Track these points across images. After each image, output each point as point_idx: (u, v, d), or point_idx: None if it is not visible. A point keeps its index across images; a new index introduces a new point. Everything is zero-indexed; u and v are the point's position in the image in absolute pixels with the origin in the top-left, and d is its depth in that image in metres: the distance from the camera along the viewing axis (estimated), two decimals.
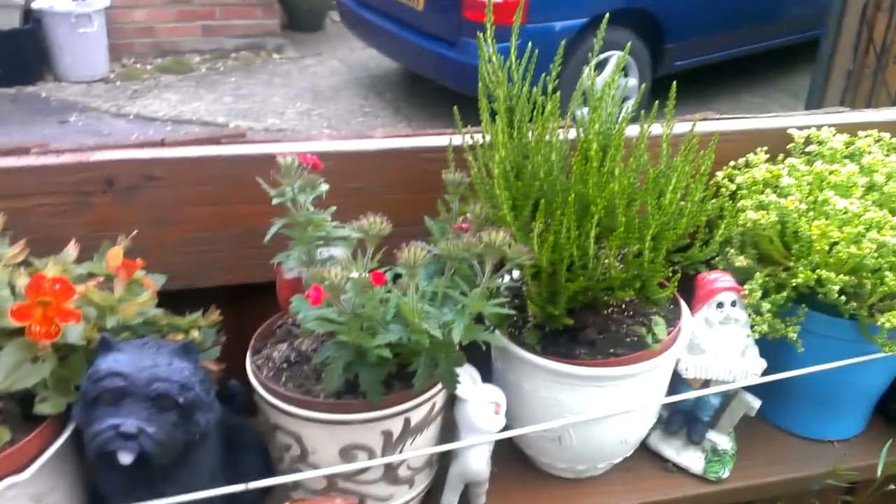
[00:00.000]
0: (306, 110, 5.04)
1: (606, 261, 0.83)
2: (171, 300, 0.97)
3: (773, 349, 1.00)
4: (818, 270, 0.93)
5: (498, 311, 0.82)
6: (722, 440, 1.03)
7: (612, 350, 0.92)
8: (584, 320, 0.93)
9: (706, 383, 1.00)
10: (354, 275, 0.80)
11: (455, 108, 0.99)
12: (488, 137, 0.94)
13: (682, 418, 1.03)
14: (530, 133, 0.94)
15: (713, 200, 0.90)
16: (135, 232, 0.94)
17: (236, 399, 1.05)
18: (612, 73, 0.89)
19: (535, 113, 0.94)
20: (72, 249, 0.91)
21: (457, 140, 1.01)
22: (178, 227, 1.01)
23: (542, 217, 0.82)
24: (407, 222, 1.04)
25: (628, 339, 0.94)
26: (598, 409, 0.92)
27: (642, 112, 0.95)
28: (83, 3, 4.83)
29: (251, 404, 0.96)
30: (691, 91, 4.61)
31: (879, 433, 1.09)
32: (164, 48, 5.33)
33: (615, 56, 4.19)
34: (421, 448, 0.91)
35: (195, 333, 0.96)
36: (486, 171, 0.95)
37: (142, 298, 0.90)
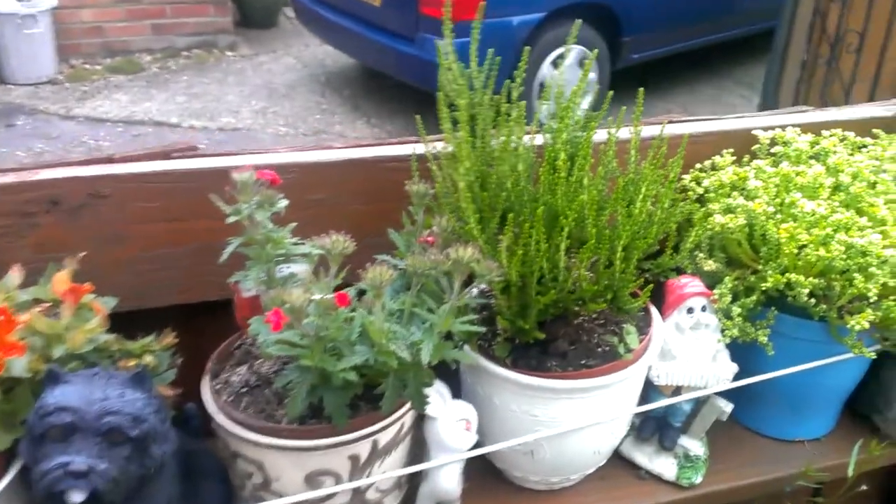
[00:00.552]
0: (262, 108, 4.95)
1: (577, 273, 0.81)
2: (123, 322, 0.93)
3: (742, 352, 0.99)
4: (787, 274, 0.92)
5: (468, 328, 0.79)
6: (694, 446, 1.02)
7: (583, 361, 0.90)
8: (554, 331, 0.91)
9: (678, 389, 0.99)
10: (317, 296, 0.77)
11: (418, 116, 0.96)
12: (450, 147, 0.91)
13: (654, 425, 1.02)
14: (493, 140, 0.92)
15: (681, 204, 0.88)
16: (83, 253, 0.89)
17: (193, 423, 1.01)
18: (581, 81, 0.86)
19: (498, 119, 0.91)
20: (15, 274, 0.86)
21: (420, 149, 0.98)
22: (128, 246, 0.96)
23: (509, 230, 0.79)
24: (370, 234, 1.01)
25: (600, 350, 0.92)
26: (572, 422, 0.90)
27: (609, 119, 0.93)
28: (29, 3, 4.67)
29: (209, 426, 0.92)
30: (648, 84, 4.63)
31: (848, 431, 1.09)
32: (113, 48, 5.19)
33: (574, 50, 4.19)
34: (390, 470, 0.88)
35: (149, 358, 0.92)
36: (451, 182, 0.92)
37: (91, 325, 0.85)
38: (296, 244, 0.89)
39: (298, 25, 5.46)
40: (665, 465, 1.02)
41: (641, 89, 0.86)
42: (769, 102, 3.59)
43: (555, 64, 4.17)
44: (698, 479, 1.01)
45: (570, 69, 4.31)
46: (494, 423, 0.94)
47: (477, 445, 0.91)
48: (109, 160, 0.98)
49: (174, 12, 5.29)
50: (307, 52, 5.70)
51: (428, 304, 0.85)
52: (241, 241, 0.86)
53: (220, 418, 0.86)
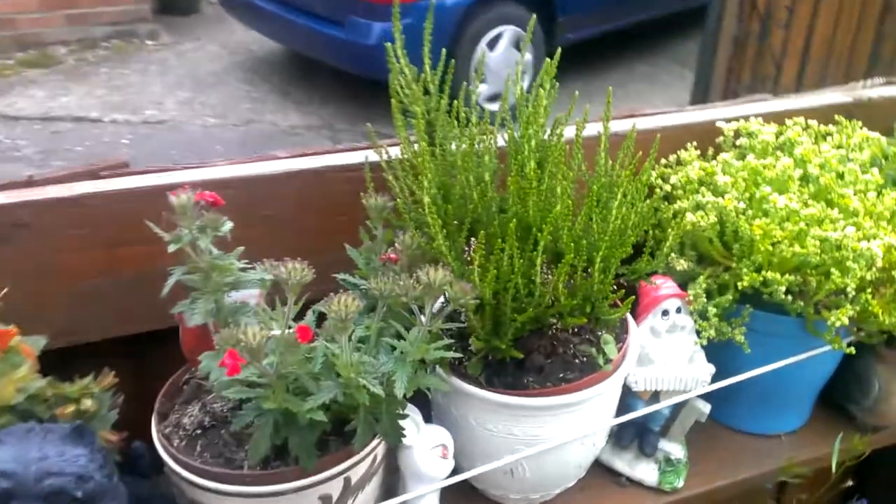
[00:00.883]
0: (187, 99, 4.77)
1: (553, 287, 0.76)
2: (57, 362, 0.85)
3: (717, 350, 0.96)
4: (763, 272, 0.89)
5: (443, 355, 0.73)
6: (675, 449, 0.99)
7: (562, 375, 0.86)
8: (529, 345, 0.86)
9: (656, 394, 0.95)
10: (276, 332, 0.70)
11: (369, 125, 0.89)
12: (407, 155, 0.85)
13: (633, 431, 0.99)
14: (453, 145, 0.86)
15: (647, 203, 0.83)
16: (4, 290, 0.80)
17: (142, 462, 0.93)
18: (545, 87, 0.81)
19: (456, 124, 0.85)
20: None
21: (372, 156, 0.91)
22: (57, 278, 0.87)
23: (480, 247, 0.73)
24: (324, 249, 0.94)
25: (577, 361, 0.88)
26: (552, 438, 0.85)
27: (562, 115, 0.88)
28: None
29: (158, 462, 0.84)
30: (583, 63, 4.62)
31: (823, 422, 1.08)
32: (26, 41, 4.90)
33: (508, 31, 4.14)
34: None
35: (88, 402, 0.83)
36: (410, 193, 0.86)
37: (21, 372, 0.77)
38: (245, 269, 0.81)
39: (221, 11, 5.25)
40: (646, 471, 0.99)
41: (576, 93, 0.81)
42: (703, 79, 3.61)
43: (490, 46, 4.11)
44: (680, 483, 0.98)
45: (506, 51, 4.27)
46: (471, 443, 0.89)
47: (454, 469, 0.86)
48: (29, 183, 0.89)
49: (90, 1, 5.02)
50: (232, 39, 5.50)
51: (395, 328, 0.79)
52: (183, 272, 0.78)
53: (174, 466, 0.78)
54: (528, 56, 4.19)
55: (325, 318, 0.82)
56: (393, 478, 0.91)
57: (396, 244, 0.82)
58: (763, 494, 1.05)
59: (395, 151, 0.90)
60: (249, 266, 0.81)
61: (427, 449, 0.83)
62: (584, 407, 0.85)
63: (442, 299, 0.74)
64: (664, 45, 5.32)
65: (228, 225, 0.79)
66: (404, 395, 0.72)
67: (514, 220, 0.74)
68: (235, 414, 0.77)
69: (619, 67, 4.97)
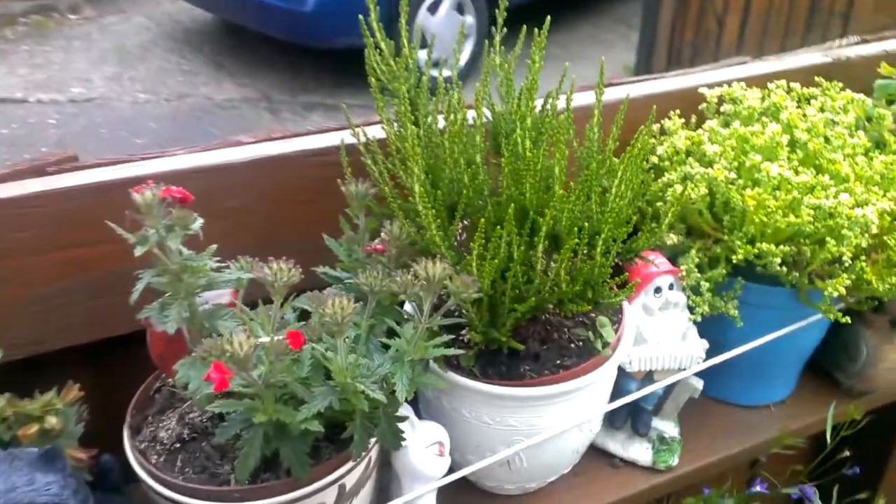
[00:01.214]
0: (115, 75, 4.56)
1: (555, 275, 0.72)
2: (14, 376, 0.78)
3: (706, 325, 0.94)
4: (757, 244, 0.87)
5: (444, 352, 0.68)
6: (668, 427, 0.97)
7: (559, 361, 0.82)
8: (523, 333, 0.82)
9: (649, 373, 0.93)
10: (264, 339, 0.64)
11: (344, 105, 0.82)
12: (392, 138, 0.79)
13: (626, 411, 0.96)
14: (437, 121, 0.80)
15: (651, 180, 0.80)
16: None
17: (112, 476, 0.87)
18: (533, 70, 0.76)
19: (437, 101, 0.80)
20: None
21: (347, 138, 0.85)
22: (6, 286, 0.79)
23: (480, 236, 0.68)
24: (298, 241, 0.88)
25: (573, 346, 0.84)
26: (551, 427, 0.82)
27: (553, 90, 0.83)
28: None
29: (129, 473, 0.78)
30: (528, 26, 4.56)
31: (809, 390, 1.07)
32: None
33: None
34: None
35: (52, 420, 0.77)
36: (391, 178, 0.80)
37: None
38: (219, 269, 0.75)
39: None
40: (640, 451, 0.97)
41: (567, 64, 0.76)
42: (647, 38, 3.60)
43: (431, 10, 4.02)
44: (675, 461, 0.96)
45: (448, 15, 4.18)
46: (465, 436, 0.85)
47: (451, 465, 0.82)
48: None
49: None
50: (159, 10, 5.27)
51: (387, 323, 0.74)
52: (152, 275, 0.71)
53: (153, 484, 0.72)
54: (471, 19, 4.12)
55: (309, 316, 0.76)
56: (385, 475, 0.86)
57: (383, 234, 0.76)
58: (757, 466, 1.04)
59: (372, 133, 0.85)
60: (223, 265, 0.75)
61: (423, 447, 0.79)
62: (583, 392, 0.82)
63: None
64: (606, 6, 5.30)
65: (199, 222, 0.73)
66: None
67: (512, 204, 0.69)
68: (218, 425, 0.71)
69: (562, 29, 4.94)
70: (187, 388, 0.71)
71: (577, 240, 0.68)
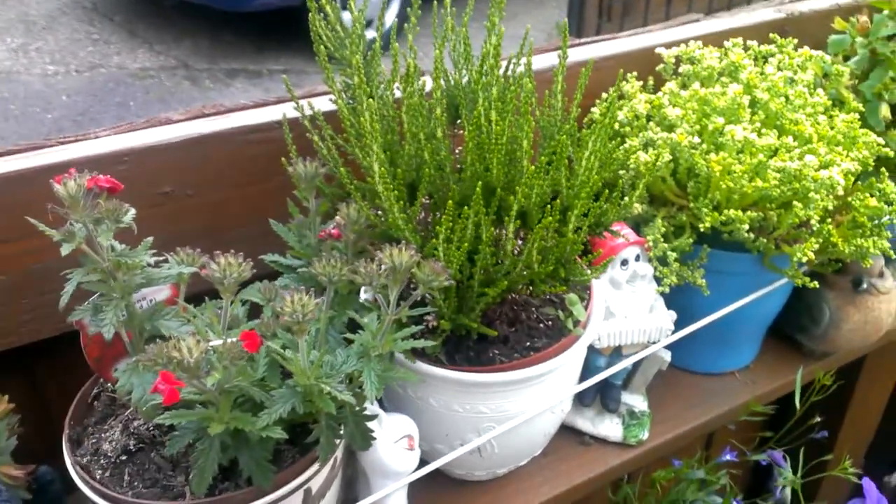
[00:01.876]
0: (20, 46, 4.28)
1: (526, 255, 0.67)
2: None
3: (671, 294, 0.91)
4: (724, 211, 0.84)
5: (413, 345, 0.63)
6: (637, 401, 0.95)
7: (528, 343, 0.78)
8: (490, 315, 0.78)
9: (618, 348, 0.90)
10: (216, 342, 0.57)
11: (284, 76, 0.75)
12: (327, 107, 0.72)
13: (595, 388, 0.93)
14: (393, 91, 0.74)
15: (612, 145, 0.75)
16: None
17: (53, 488, 0.81)
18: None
19: (394, 71, 0.74)
20: None
21: (287, 111, 0.78)
22: None
23: (447, 219, 0.63)
24: (242, 225, 0.81)
25: (542, 326, 0.80)
26: (524, 411, 0.78)
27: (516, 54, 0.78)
28: None
29: (70, 483, 0.71)
30: None
31: (771, 355, 1.07)
32: None
33: None
34: None
35: None
36: (341, 155, 0.74)
37: None
38: (157, 264, 0.68)
39: None
40: (610, 427, 0.94)
41: (528, 26, 0.71)
42: None
43: None
44: (645, 435, 0.94)
45: None
46: (433, 425, 0.80)
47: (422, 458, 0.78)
48: None
49: None
50: None
51: (347, 314, 0.69)
52: (82, 275, 0.64)
53: (99, 501, 0.65)
54: None
55: (259, 309, 0.70)
56: (350, 469, 0.82)
57: (337, 217, 0.70)
58: (725, 434, 1.03)
59: (316, 105, 0.78)
60: (161, 259, 0.68)
61: (391, 443, 0.74)
62: (555, 374, 0.78)
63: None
64: None
65: (131, 213, 0.65)
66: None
67: (479, 182, 0.64)
68: (168, 434, 0.65)
69: None
70: (130, 396, 0.65)
71: (550, 217, 0.64)
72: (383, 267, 0.59)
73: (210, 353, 0.57)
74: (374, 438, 0.65)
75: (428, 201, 0.74)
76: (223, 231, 0.82)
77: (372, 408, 0.73)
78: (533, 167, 0.65)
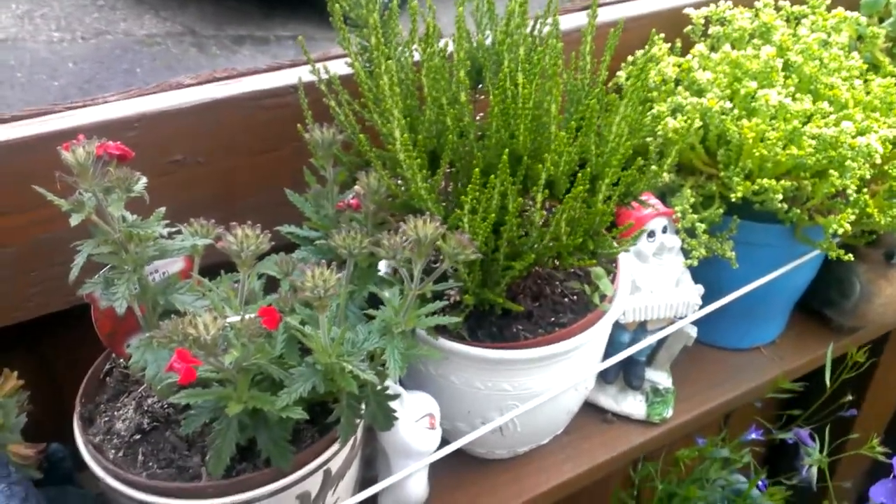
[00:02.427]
0: (25, 13, 4.23)
1: (554, 226, 0.64)
2: None
3: (697, 267, 0.88)
4: (757, 180, 0.81)
5: (439, 321, 0.61)
6: (661, 378, 0.92)
7: (553, 318, 0.75)
8: (514, 289, 0.75)
9: (642, 323, 0.87)
10: (233, 318, 0.55)
11: (301, 37, 0.72)
12: (344, 71, 0.69)
13: (618, 364, 0.90)
14: (411, 53, 0.71)
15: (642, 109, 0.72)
16: None
17: (64, 465, 0.79)
18: None
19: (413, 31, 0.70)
20: None
21: (303, 75, 0.75)
22: None
23: (473, 188, 0.60)
24: (256, 195, 0.79)
25: (566, 300, 0.77)
26: (549, 388, 0.76)
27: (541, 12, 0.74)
28: None
29: (79, 461, 0.69)
30: None
31: (797, 329, 1.04)
32: None
33: None
34: (344, 495, 0.71)
35: None
36: (359, 121, 0.71)
37: None
38: (170, 235, 0.65)
39: None
40: (633, 405, 0.92)
41: None
42: None
43: None
44: (669, 413, 0.92)
45: None
46: (454, 403, 0.78)
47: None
48: None
49: None
50: None
51: (367, 289, 0.66)
52: (92, 247, 0.61)
53: (113, 483, 0.63)
54: None
55: (275, 282, 0.68)
56: (370, 449, 0.79)
57: (357, 187, 0.67)
58: (744, 412, 1.00)
59: (333, 68, 0.74)
60: (174, 230, 0.65)
61: (412, 421, 0.72)
62: (580, 350, 0.76)
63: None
64: None
65: (142, 182, 0.62)
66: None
67: (505, 150, 0.61)
68: (184, 413, 0.62)
69: None
70: (144, 373, 0.63)
71: (581, 186, 0.61)
72: (407, 239, 0.56)
73: (227, 330, 0.55)
74: (397, 418, 0.63)
75: (449, 170, 0.71)
76: (235, 200, 0.79)
77: (394, 387, 0.71)
78: (563, 133, 0.62)
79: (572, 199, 0.61)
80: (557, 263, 0.70)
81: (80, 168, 0.58)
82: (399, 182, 0.65)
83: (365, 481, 0.80)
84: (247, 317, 0.54)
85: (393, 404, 0.65)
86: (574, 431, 0.90)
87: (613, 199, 0.66)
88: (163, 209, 0.64)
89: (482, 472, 0.85)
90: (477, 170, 0.59)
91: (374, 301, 0.66)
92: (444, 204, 0.67)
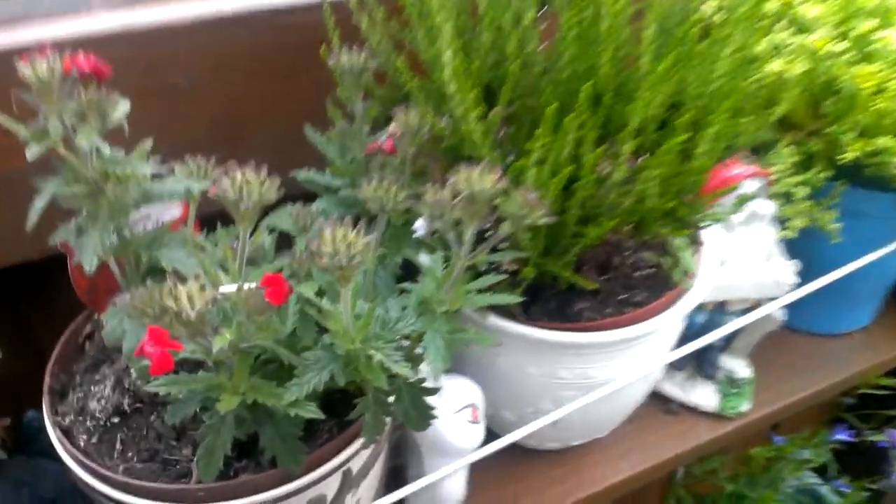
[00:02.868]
0: None
1: (642, 185, 0.51)
2: None
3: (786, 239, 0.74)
4: (874, 138, 0.66)
5: (495, 301, 0.48)
6: (739, 366, 0.79)
7: (624, 296, 0.62)
8: (578, 258, 0.62)
9: (721, 304, 0.73)
10: (227, 288, 0.42)
11: None
12: None
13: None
14: None
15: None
16: None
17: (42, 437, 0.68)
18: None
19: None
20: None
21: None
22: None
23: (545, 132, 0.46)
24: (268, 131, 0.66)
25: (637, 273, 0.64)
26: (612, 378, 0.63)
27: None
28: None
29: None
30: None
31: (893, 315, 0.90)
32: None
33: None
34: (367, 491, 0.59)
35: None
36: (395, 46, 0.57)
37: None
38: (158, 175, 0.52)
39: None
40: (703, 395, 0.79)
41: None
42: None
43: None
44: (746, 407, 0.78)
45: None
46: (500, 389, 0.65)
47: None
48: None
49: None
50: None
51: (400, 253, 0.53)
52: (55, 186, 0.49)
53: (83, 476, 0.52)
54: None
55: (293, 241, 0.55)
56: (397, 434, 0.67)
57: (392, 126, 0.54)
58: (836, 409, 0.87)
59: None
60: (165, 171, 0.52)
61: (451, 413, 0.59)
62: (655, 335, 0.63)
63: None
64: None
65: (123, 107, 0.49)
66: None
67: (587, 84, 0.47)
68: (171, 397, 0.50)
69: None
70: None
71: (684, 135, 0.47)
72: (458, 195, 0.43)
73: (221, 302, 0.42)
74: (435, 417, 0.50)
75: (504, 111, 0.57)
76: (243, 138, 0.66)
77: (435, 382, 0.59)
78: (662, 66, 0.47)
79: (666, 152, 0.47)
80: (636, 231, 0.56)
81: (41, 85, 0.45)
82: (446, 121, 0.52)
83: (391, 472, 0.68)
84: (247, 287, 0.42)
85: (431, 399, 0.53)
86: (633, 422, 0.77)
87: (716, 154, 0.52)
88: (149, 142, 0.51)
89: (530, 466, 0.74)
90: (553, 106, 0.45)
91: (408, 270, 0.54)
92: (498, 153, 0.53)
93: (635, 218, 0.53)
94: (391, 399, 0.49)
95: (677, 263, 0.62)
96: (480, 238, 0.47)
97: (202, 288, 0.39)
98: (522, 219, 0.43)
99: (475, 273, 0.49)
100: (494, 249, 0.48)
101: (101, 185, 0.50)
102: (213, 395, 0.44)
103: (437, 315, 0.46)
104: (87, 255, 0.48)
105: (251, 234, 0.45)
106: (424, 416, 0.50)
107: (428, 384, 0.49)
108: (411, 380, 0.48)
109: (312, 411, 0.44)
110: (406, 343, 0.49)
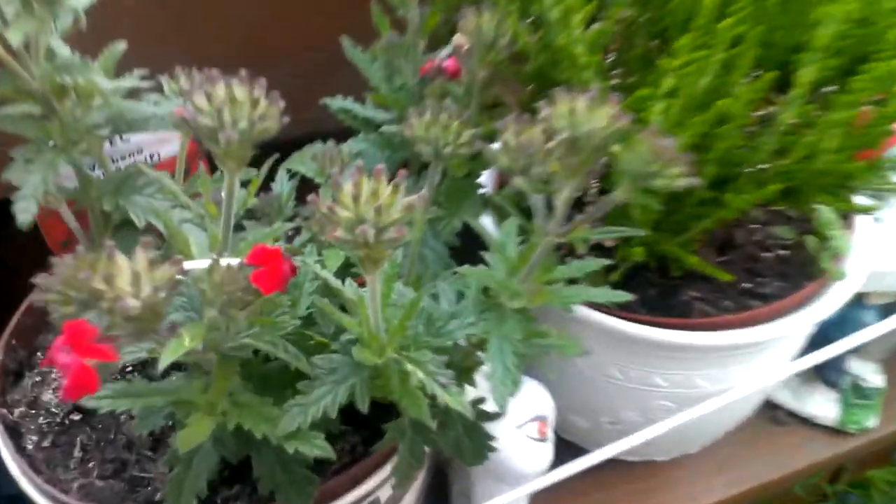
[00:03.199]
0: None
1: (817, 136, 0.35)
2: None
3: None
4: None
5: (596, 297, 0.33)
6: (868, 372, 0.63)
7: (749, 285, 0.47)
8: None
9: (859, 295, 0.57)
10: (195, 263, 0.28)
11: None
12: None
13: (807, 349, 0.62)
14: None
15: None
16: None
17: None
18: None
19: None
20: None
21: None
22: None
23: (685, 50, 0.31)
24: (293, 45, 0.51)
25: (766, 255, 0.49)
26: (723, 389, 0.48)
27: None
28: None
29: None
30: None
31: None
32: None
33: None
34: None
35: None
36: None
37: None
38: (136, 93, 0.38)
39: None
40: (821, 405, 0.63)
41: None
42: None
43: None
44: (872, 422, 0.63)
45: None
46: (574, 392, 0.51)
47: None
48: None
49: None
50: None
51: (461, 219, 0.39)
52: None
53: (26, 487, 0.39)
54: None
55: (313, 193, 0.41)
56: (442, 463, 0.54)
57: (457, 37, 0.38)
58: None
59: None
60: (146, 84, 0.38)
61: (514, 428, 0.45)
62: (789, 339, 0.47)
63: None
64: None
65: None
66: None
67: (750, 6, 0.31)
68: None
69: None
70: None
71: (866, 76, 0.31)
72: (552, 135, 0.28)
73: (188, 286, 0.28)
74: (493, 450, 0.36)
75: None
76: (262, 56, 0.51)
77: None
78: None
79: (852, 98, 0.31)
80: (788, 202, 0.40)
81: None
82: (536, 30, 0.36)
83: (432, 470, 0.54)
84: (225, 262, 0.27)
85: (491, 426, 0.38)
86: (738, 430, 0.62)
87: None
88: (121, 45, 0.37)
89: (609, 481, 0.60)
90: (704, 18, 0.29)
91: (468, 240, 0.39)
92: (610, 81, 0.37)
93: (795, 183, 0.37)
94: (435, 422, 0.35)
95: (826, 245, 0.46)
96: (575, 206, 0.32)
97: (151, 263, 0.25)
98: (651, 177, 0.28)
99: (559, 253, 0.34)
100: (596, 222, 0.33)
101: (50, 102, 0.36)
102: (181, 419, 0.31)
103: (506, 313, 0.31)
104: (25, 199, 0.35)
105: (244, 186, 0.31)
106: (482, 447, 0.36)
107: (487, 409, 0.35)
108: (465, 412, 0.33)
109: (319, 446, 0.31)
110: (461, 344, 0.34)
